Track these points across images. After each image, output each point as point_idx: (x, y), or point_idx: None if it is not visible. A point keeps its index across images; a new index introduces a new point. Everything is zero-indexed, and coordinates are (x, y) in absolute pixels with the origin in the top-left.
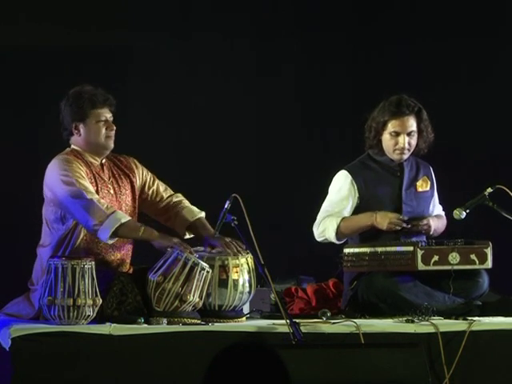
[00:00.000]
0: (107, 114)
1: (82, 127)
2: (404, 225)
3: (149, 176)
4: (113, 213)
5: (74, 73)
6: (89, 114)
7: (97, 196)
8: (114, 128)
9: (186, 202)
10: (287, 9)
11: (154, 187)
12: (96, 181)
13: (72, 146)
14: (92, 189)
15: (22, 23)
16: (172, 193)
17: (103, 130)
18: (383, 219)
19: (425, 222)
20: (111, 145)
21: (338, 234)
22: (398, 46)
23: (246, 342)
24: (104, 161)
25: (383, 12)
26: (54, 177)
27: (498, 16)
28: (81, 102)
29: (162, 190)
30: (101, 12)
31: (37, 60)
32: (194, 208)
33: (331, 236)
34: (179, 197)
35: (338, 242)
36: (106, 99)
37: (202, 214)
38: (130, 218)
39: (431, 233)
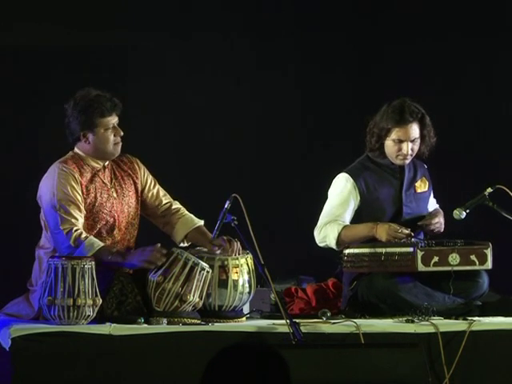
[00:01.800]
0: (114, 120)
1: (90, 136)
2: (403, 236)
3: (150, 179)
4: (79, 246)
5: (74, 73)
6: (98, 124)
7: (69, 225)
8: (122, 133)
9: (185, 211)
10: (287, 9)
11: (154, 190)
12: (95, 185)
13: (75, 150)
14: (74, 212)
15: (22, 23)
16: (171, 199)
17: (111, 138)
18: (382, 232)
19: (436, 220)
20: (119, 151)
21: (339, 241)
22: (398, 46)
23: (247, 342)
24: (107, 163)
25: (383, 12)
26: (43, 192)
27: (498, 16)
28: (90, 111)
29: (162, 194)
30: (101, 12)
31: (37, 60)
32: (193, 216)
33: (332, 243)
34: (177, 204)
35: (338, 249)
36: (114, 105)
37: (201, 222)
38: (98, 246)
39: (442, 230)
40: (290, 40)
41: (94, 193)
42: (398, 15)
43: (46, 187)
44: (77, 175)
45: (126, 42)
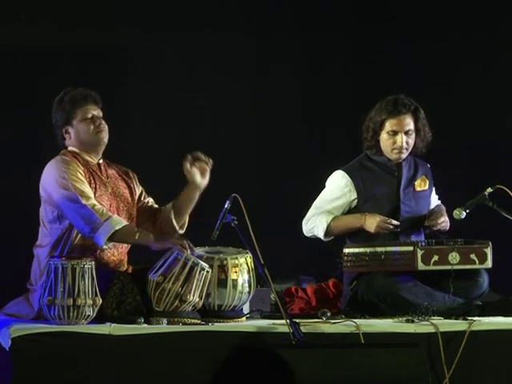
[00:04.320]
0: (93, 111)
1: (70, 129)
2: (391, 227)
3: (141, 188)
4: (108, 219)
5: (74, 73)
6: (73, 115)
7: (92, 201)
8: (103, 122)
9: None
10: (287, 9)
11: (149, 199)
12: (94, 179)
13: (69, 148)
14: (89, 192)
15: (22, 23)
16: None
17: (91, 127)
18: (371, 222)
19: (442, 219)
20: (103, 139)
21: (327, 232)
22: (398, 46)
23: (253, 344)
24: (101, 161)
25: (383, 12)
26: (50, 179)
27: (498, 16)
28: (63, 105)
29: (151, 201)
30: (101, 12)
31: (37, 60)
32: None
33: (320, 234)
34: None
35: (325, 240)
36: (86, 96)
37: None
38: (125, 223)
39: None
40: (290, 40)
41: (94, 184)
42: (397, 15)
43: (52, 177)
44: (78, 164)
45: (125, 42)
